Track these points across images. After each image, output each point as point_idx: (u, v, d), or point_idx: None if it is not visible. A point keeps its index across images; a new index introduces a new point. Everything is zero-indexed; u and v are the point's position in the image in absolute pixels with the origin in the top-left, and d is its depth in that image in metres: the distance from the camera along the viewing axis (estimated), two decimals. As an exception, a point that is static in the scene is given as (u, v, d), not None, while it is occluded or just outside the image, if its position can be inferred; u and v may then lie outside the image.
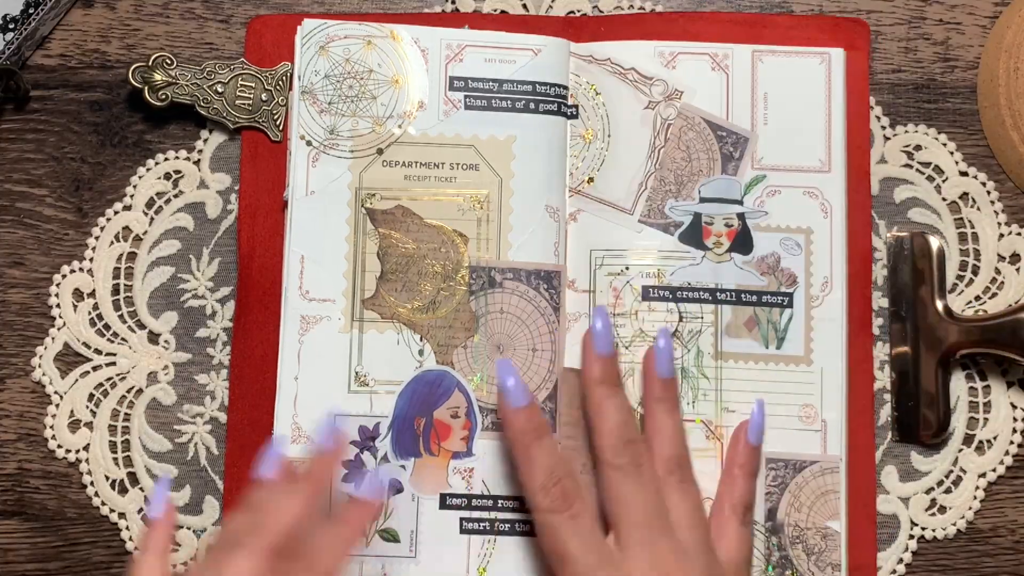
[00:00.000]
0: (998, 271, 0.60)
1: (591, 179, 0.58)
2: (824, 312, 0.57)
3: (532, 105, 0.58)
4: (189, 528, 0.57)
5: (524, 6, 0.60)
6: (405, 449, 0.56)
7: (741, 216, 0.58)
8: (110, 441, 0.58)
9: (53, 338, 0.59)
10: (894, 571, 0.57)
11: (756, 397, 0.56)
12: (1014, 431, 0.58)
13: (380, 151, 0.58)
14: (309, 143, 0.58)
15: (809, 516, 0.56)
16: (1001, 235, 0.60)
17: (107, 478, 0.58)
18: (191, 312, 0.59)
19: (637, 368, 0.56)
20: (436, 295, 0.57)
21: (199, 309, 0.59)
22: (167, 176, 0.60)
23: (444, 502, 0.56)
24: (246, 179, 0.58)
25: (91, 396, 0.58)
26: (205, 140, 0.60)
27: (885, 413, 0.58)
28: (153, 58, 0.58)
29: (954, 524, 0.58)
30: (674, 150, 0.58)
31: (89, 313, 0.59)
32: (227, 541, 0.46)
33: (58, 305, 0.59)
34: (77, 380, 0.58)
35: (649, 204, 0.58)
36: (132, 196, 0.59)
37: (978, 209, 0.60)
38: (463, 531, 0.56)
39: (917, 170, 0.60)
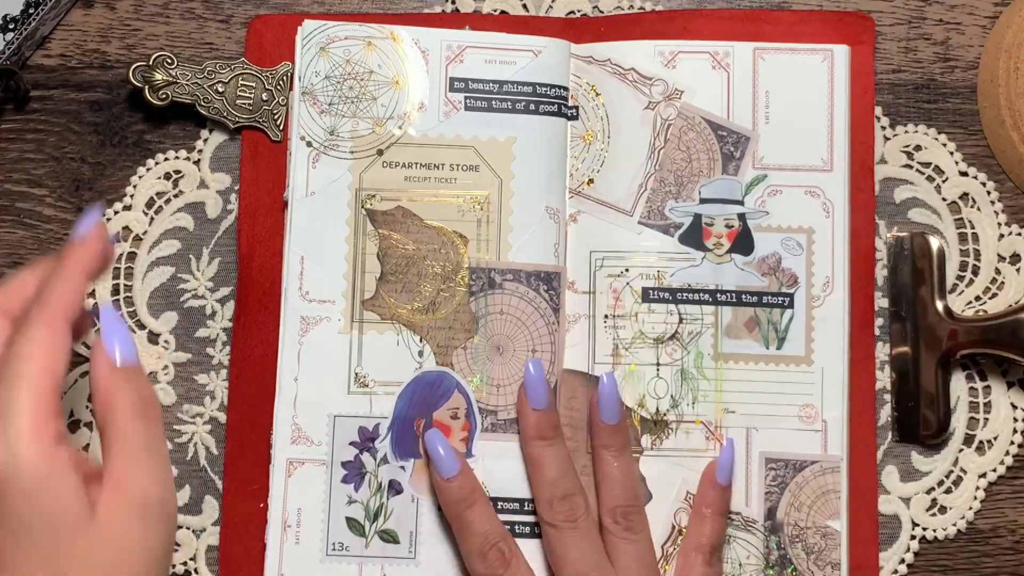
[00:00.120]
0: (998, 271, 0.59)
1: (591, 180, 0.58)
2: (825, 312, 0.57)
3: (532, 106, 0.58)
4: (189, 528, 0.57)
5: (524, 6, 0.60)
6: (405, 450, 0.56)
7: (742, 217, 0.58)
8: (110, 441, 0.58)
9: (53, 338, 0.58)
10: (895, 571, 0.57)
11: (756, 397, 0.56)
12: (1014, 431, 0.58)
13: (380, 152, 0.58)
14: (309, 144, 0.58)
15: (809, 515, 0.56)
16: (1001, 235, 0.60)
17: (107, 478, 0.58)
18: (191, 312, 0.59)
19: (636, 370, 0.56)
20: (436, 296, 0.57)
21: (199, 309, 0.59)
22: (167, 176, 0.59)
23: (444, 503, 0.56)
24: (246, 179, 0.58)
25: (91, 396, 0.58)
26: (205, 140, 0.60)
27: (885, 413, 0.58)
28: (154, 57, 0.58)
29: (954, 524, 0.58)
30: (674, 150, 0.58)
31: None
32: None
33: (58, 305, 0.59)
34: (77, 380, 0.58)
35: (649, 205, 0.58)
36: (132, 196, 0.59)
37: (978, 209, 0.60)
38: (463, 531, 0.56)
39: (917, 170, 0.60)
